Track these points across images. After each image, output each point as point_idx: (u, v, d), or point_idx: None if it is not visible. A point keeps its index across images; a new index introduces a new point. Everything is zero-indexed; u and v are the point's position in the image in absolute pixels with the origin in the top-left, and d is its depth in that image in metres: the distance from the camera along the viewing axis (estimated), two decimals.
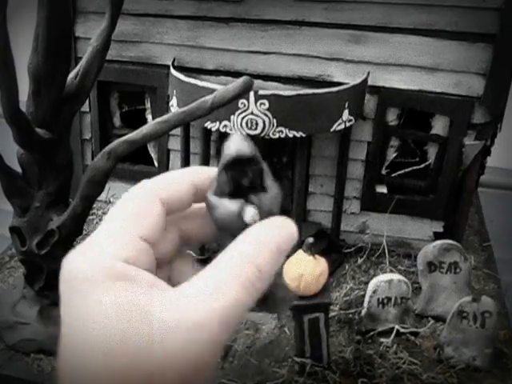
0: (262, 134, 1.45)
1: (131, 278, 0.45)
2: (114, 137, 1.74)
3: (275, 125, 1.44)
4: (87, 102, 1.87)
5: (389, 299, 1.51)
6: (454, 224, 1.81)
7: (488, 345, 1.42)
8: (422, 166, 1.79)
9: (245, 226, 0.50)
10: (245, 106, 1.41)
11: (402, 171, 1.82)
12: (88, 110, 1.90)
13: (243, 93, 1.10)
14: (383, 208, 1.82)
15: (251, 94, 1.40)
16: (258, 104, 1.41)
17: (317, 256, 1.29)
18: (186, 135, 1.70)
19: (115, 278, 0.44)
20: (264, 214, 0.48)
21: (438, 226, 1.83)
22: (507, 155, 2.36)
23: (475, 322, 1.40)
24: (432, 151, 1.77)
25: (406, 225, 1.86)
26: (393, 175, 1.82)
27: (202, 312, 0.43)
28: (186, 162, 1.73)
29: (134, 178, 1.90)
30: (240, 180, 0.49)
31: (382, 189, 1.84)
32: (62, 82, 1.23)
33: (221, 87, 1.17)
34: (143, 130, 1.13)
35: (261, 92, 1.41)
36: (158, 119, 1.13)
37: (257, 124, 1.43)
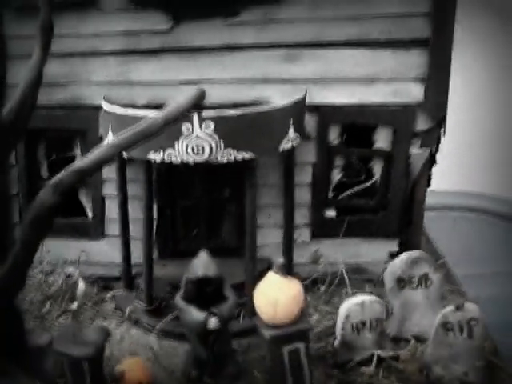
0: (210, 159, 1.33)
1: None
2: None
3: (222, 147, 1.33)
4: (13, 154, 1.71)
5: (363, 323, 1.40)
6: (409, 239, 1.74)
7: (479, 356, 1.32)
8: (369, 183, 1.72)
9: (207, 332, 0.74)
10: (189, 130, 1.30)
11: (349, 192, 1.74)
12: (14, 162, 1.72)
13: (197, 102, 1.00)
14: (335, 233, 1.73)
15: (195, 116, 1.29)
16: (204, 126, 1.30)
17: (289, 276, 1.18)
18: (121, 175, 1.57)
19: None
20: (223, 321, 0.63)
21: (393, 245, 1.75)
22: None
23: (462, 333, 1.31)
24: (377, 167, 1.71)
25: (360, 248, 1.77)
26: (340, 197, 1.74)
27: None
28: (123, 207, 1.59)
29: (65, 233, 1.76)
30: (204, 289, 0.65)
31: (331, 212, 1.75)
32: None
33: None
34: (92, 157, 1.00)
35: (205, 114, 1.30)
36: (107, 143, 1.01)
37: (203, 148, 1.32)
